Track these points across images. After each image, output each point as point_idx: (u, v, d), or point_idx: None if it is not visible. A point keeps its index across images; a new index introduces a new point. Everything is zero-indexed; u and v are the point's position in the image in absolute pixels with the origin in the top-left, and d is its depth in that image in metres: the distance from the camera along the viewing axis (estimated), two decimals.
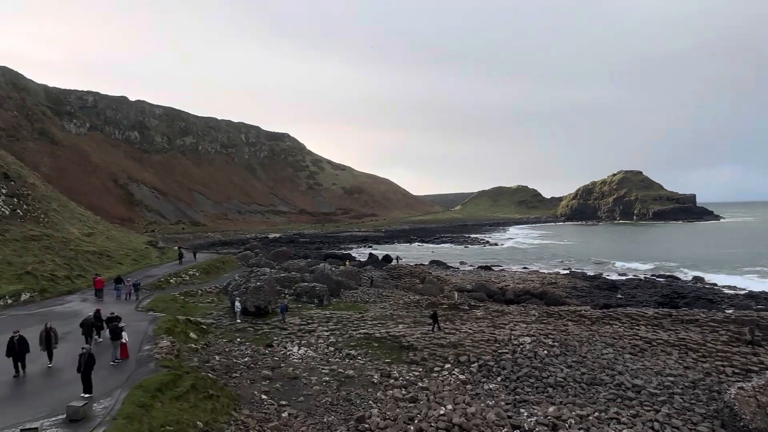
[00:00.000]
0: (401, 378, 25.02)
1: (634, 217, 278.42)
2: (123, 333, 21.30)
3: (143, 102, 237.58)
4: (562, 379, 24.91)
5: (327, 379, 24.22)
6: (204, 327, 30.76)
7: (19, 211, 47.74)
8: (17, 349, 18.26)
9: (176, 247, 71.35)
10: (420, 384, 24.43)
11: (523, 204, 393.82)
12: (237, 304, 34.54)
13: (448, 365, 26.65)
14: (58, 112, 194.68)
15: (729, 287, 64.54)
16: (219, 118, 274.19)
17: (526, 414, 21.63)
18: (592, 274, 79.29)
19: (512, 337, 30.05)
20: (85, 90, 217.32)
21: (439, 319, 33.34)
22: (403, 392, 23.41)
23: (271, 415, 20.23)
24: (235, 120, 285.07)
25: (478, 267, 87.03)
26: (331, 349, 28.81)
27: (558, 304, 49.48)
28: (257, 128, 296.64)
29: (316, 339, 30.28)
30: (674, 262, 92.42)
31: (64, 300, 35.25)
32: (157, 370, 19.67)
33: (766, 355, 27.24)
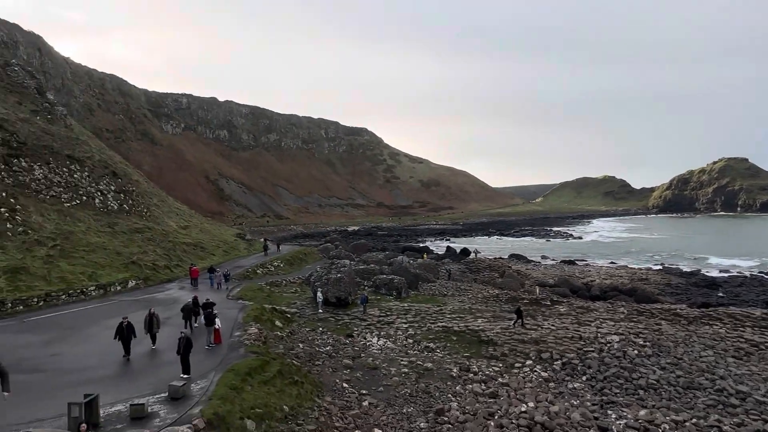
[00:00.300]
0: (480, 373, 24.76)
1: (738, 209, 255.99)
2: (216, 319, 22.79)
3: (231, 102, 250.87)
4: (654, 381, 23.59)
5: (406, 370, 24.47)
6: (288, 316, 32.16)
7: (125, 206, 52.41)
8: (126, 334, 20.09)
9: (262, 240, 74.81)
10: (500, 379, 24.06)
11: (609, 195, 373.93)
12: (319, 294, 35.75)
13: (529, 362, 26.00)
14: (157, 114, 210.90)
15: None
16: (300, 115, 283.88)
17: (614, 416, 20.61)
18: (688, 270, 73.83)
19: (599, 335, 28.79)
20: (180, 93, 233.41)
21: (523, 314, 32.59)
22: (483, 387, 23.15)
23: (353, 403, 20.78)
24: (315, 116, 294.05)
25: (561, 261, 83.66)
26: (410, 341, 29.06)
27: (649, 301, 46.70)
28: (336, 123, 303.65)
29: (395, 331, 30.66)
30: None
31: (164, 287, 38.31)
32: (247, 356, 20.81)
33: None
